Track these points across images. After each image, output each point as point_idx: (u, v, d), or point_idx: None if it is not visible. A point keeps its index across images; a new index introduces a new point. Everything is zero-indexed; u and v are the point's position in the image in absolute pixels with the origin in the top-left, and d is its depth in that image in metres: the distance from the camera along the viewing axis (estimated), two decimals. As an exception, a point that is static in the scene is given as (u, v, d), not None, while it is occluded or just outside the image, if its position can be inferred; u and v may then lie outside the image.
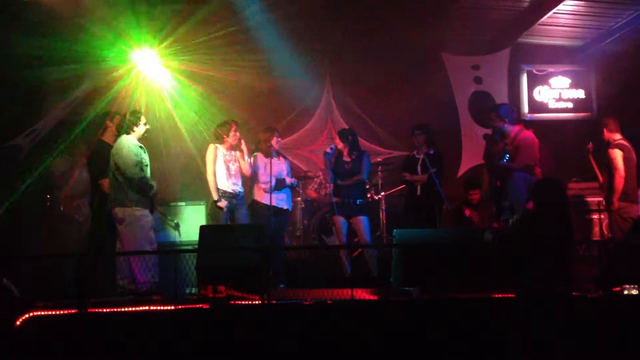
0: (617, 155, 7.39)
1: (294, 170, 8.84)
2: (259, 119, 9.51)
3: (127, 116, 6.90)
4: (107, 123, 7.18)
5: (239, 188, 7.64)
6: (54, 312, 5.51)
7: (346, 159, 7.64)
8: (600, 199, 7.92)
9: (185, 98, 9.29)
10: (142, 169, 6.79)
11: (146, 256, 6.36)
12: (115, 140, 7.05)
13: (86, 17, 7.99)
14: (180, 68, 9.25)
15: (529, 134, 7.15)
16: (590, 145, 7.72)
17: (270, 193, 7.48)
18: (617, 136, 7.54)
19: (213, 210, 7.53)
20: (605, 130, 7.59)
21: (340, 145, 7.64)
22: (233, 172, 7.62)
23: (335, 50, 10.03)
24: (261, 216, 7.59)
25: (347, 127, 9.07)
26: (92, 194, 7.25)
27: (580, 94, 10.73)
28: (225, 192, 7.50)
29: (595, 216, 8.27)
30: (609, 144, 7.51)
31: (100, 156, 7.01)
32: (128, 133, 6.84)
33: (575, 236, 5.36)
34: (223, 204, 7.43)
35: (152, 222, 6.89)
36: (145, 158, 6.90)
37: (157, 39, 8.81)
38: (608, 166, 7.46)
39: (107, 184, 6.90)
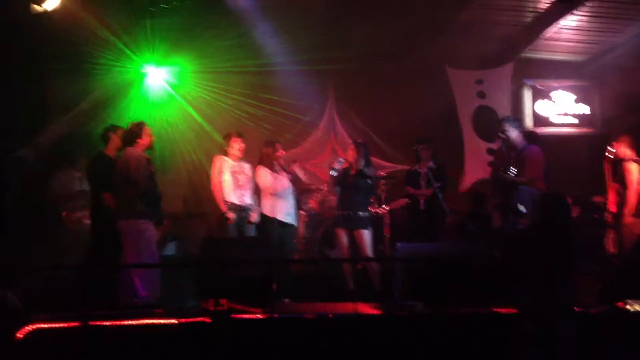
0: (634, 169, 7.41)
1: (296, 184, 8.83)
2: (263, 132, 9.54)
3: (130, 128, 6.84)
4: (110, 135, 7.14)
5: (248, 200, 7.60)
6: (55, 325, 5.49)
7: (352, 172, 7.62)
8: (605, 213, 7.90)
9: (188, 110, 9.34)
10: (153, 181, 6.76)
11: (149, 269, 6.33)
12: (117, 153, 7.05)
13: (91, 30, 8.03)
14: (184, 81, 9.31)
15: (535, 148, 7.16)
16: (611, 148, 7.66)
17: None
18: (631, 152, 7.56)
19: (221, 222, 7.50)
20: (620, 146, 7.60)
21: (351, 159, 7.60)
22: (241, 183, 7.59)
23: (339, 64, 10.05)
24: (267, 229, 7.57)
25: (350, 141, 9.07)
26: (92, 207, 7.23)
27: (584, 109, 10.74)
28: (233, 204, 7.47)
29: (600, 231, 8.23)
30: (624, 159, 7.53)
31: (102, 169, 6.98)
32: (132, 145, 6.80)
33: (578, 251, 5.34)
34: (231, 215, 7.41)
35: (157, 236, 6.85)
36: (154, 170, 6.88)
37: (161, 53, 8.88)
38: (622, 180, 7.47)
39: (109, 197, 6.86)
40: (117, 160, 6.79)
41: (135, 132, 6.77)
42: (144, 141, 6.80)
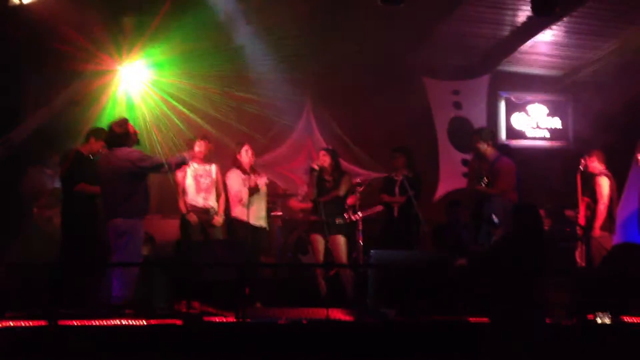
0: (604, 183, 7.55)
1: (272, 188, 8.79)
2: (238, 136, 9.48)
3: (114, 128, 6.65)
4: (90, 139, 7.04)
5: (210, 203, 7.53)
6: (23, 324, 5.39)
7: (327, 178, 7.63)
8: (575, 226, 8.00)
9: (163, 112, 9.25)
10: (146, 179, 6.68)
11: (129, 270, 6.20)
12: (89, 155, 6.97)
13: (69, 25, 7.92)
14: (160, 82, 9.22)
15: (507, 160, 7.22)
16: (583, 162, 7.76)
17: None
18: (602, 167, 7.67)
19: (184, 225, 7.43)
20: (591, 160, 7.70)
21: (326, 163, 7.62)
22: (204, 187, 7.52)
23: (317, 70, 10.05)
24: (238, 233, 7.53)
25: (326, 146, 9.08)
26: (64, 205, 7.12)
27: (556, 123, 10.89)
28: (195, 207, 7.41)
29: (570, 244, 8.34)
30: (595, 174, 7.63)
31: (78, 167, 6.88)
32: (121, 145, 6.61)
33: (549, 263, 5.39)
34: (192, 217, 7.35)
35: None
36: None
37: (137, 51, 8.78)
38: (593, 194, 7.57)
39: (86, 187, 6.74)
40: (110, 158, 6.58)
41: (119, 132, 6.63)
42: (132, 139, 6.67)
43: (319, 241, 7.48)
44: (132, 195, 6.43)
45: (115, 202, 6.43)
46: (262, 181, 7.75)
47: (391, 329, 5.83)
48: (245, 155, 7.67)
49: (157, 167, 6.54)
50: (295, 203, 9.32)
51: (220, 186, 7.66)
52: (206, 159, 7.58)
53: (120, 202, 6.43)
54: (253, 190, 7.55)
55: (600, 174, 7.65)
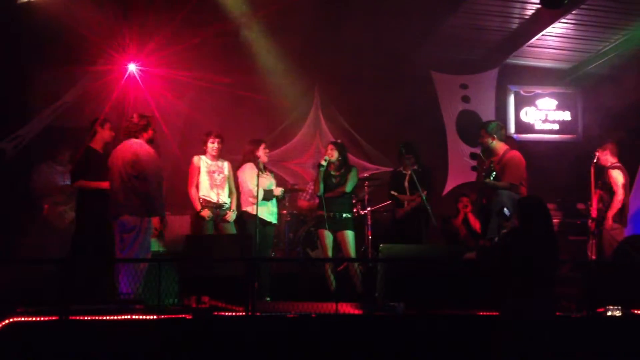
0: (619, 176, 7.53)
1: (280, 183, 8.80)
2: (247, 131, 9.49)
3: (137, 120, 6.63)
4: (96, 129, 7.02)
5: (224, 198, 7.56)
6: (34, 319, 5.42)
7: (335, 172, 7.63)
8: (586, 220, 7.97)
9: (172, 107, 9.27)
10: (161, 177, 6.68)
11: (136, 268, 6.21)
12: (104, 146, 6.97)
13: (78, 22, 7.94)
14: (169, 77, 9.24)
15: (516, 153, 7.19)
16: (596, 155, 7.74)
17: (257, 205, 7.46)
18: (614, 160, 7.65)
19: (197, 221, 7.45)
20: (604, 153, 7.68)
21: (332, 157, 7.61)
22: (217, 183, 7.53)
23: (325, 65, 10.06)
24: (248, 227, 7.54)
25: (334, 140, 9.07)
26: (77, 201, 7.14)
27: (566, 116, 10.86)
28: (209, 202, 7.42)
29: (580, 237, 8.32)
30: (608, 166, 7.61)
31: (88, 162, 6.90)
32: (136, 137, 6.60)
33: (559, 255, 5.37)
34: (206, 213, 7.36)
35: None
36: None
37: (147, 48, 8.81)
38: (607, 187, 7.55)
39: (91, 184, 6.77)
40: (124, 153, 6.53)
41: (142, 124, 6.60)
42: (149, 134, 6.68)
43: (328, 236, 7.48)
44: (142, 193, 6.43)
45: (125, 197, 6.44)
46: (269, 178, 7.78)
47: (400, 322, 5.83)
48: (263, 153, 7.68)
49: (149, 183, 6.43)
50: (303, 202, 9.32)
51: (232, 183, 7.68)
52: (219, 156, 7.61)
53: (128, 197, 6.43)
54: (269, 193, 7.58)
55: (613, 166, 7.63)
